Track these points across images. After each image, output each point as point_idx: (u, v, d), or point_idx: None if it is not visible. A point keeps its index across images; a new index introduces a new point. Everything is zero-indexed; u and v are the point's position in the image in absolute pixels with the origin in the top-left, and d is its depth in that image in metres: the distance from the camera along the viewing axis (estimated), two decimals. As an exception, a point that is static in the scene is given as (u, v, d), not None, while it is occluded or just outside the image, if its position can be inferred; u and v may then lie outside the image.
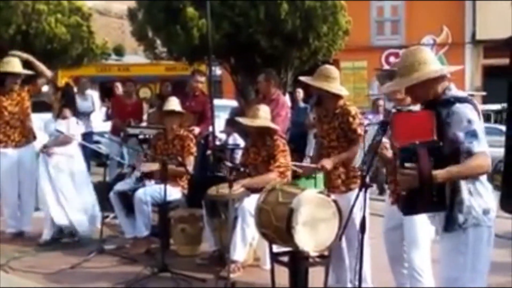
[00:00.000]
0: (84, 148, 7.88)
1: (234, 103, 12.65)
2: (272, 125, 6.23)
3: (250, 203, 5.74)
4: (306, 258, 4.94)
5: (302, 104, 12.60)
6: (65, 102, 7.37)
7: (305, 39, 10.91)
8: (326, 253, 4.98)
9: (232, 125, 9.72)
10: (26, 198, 7.56)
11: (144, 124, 10.13)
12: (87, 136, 9.60)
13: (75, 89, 10.08)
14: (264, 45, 10.70)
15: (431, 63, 3.55)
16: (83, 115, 9.63)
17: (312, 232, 4.80)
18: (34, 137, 7.67)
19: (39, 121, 7.82)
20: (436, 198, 3.32)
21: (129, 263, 6.33)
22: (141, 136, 8.81)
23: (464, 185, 3.38)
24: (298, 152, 10.72)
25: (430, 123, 3.36)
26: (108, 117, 11.21)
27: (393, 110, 3.87)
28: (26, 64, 7.56)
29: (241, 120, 6.52)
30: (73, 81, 12.29)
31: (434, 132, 3.33)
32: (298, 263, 4.96)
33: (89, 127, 10.52)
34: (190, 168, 6.90)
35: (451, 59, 19.59)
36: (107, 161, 7.36)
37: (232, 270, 5.61)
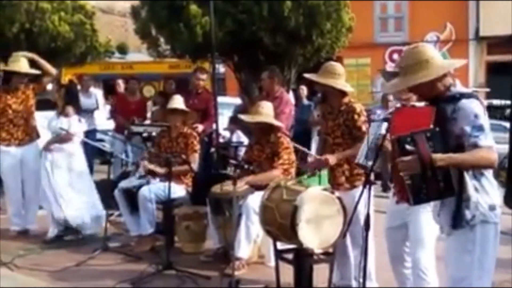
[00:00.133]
0: (87, 146, 7.88)
1: (237, 101, 12.65)
2: (274, 122, 6.23)
3: (254, 200, 5.74)
4: (310, 255, 4.94)
5: (306, 102, 12.60)
6: (68, 99, 7.38)
7: (309, 36, 10.90)
8: (330, 250, 4.98)
9: (235, 122, 9.73)
10: (30, 196, 7.57)
11: (147, 122, 10.14)
12: (91, 133, 9.61)
13: (79, 87, 10.09)
14: (268, 42, 10.69)
15: (435, 60, 3.54)
16: (86, 113, 9.64)
17: (317, 229, 4.80)
18: (38, 135, 7.69)
19: (43, 119, 7.83)
20: (442, 184, 3.31)
21: (133, 261, 6.34)
22: (145, 134, 8.82)
23: (469, 182, 3.37)
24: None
25: (428, 116, 3.37)
26: (111, 115, 11.19)
27: (398, 105, 3.88)
28: (31, 63, 7.58)
29: (242, 117, 6.52)
30: (76, 78, 12.29)
31: (431, 124, 3.34)
32: (302, 260, 4.96)
33: (92, 125, 10.54)
34: (194, 165, 6.91)
35: (455, 56, 19.51)
36: (111, 159, 7.36)
37: (237, 267, 5.61)
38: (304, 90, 12.69)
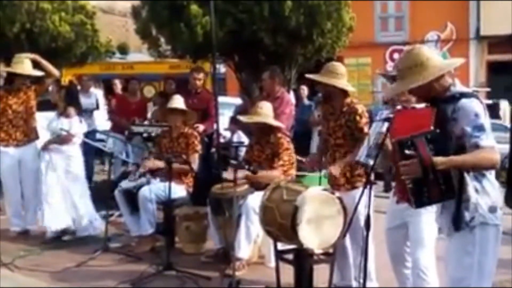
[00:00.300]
0: (86, 146, 7.88)
1: (238, 101, 12.65)
2: (273, 122, 6.22)
3: (254, 200, 5.74)
4: (310, 255, 4.94)
5: (306, 102, 12.58)
6: (69, 100, 7.38)
7: (309, 36, 10.89)
8: (330, 250, 4.98)
9: (236, 122, 9.71)
10: (28, 196, 7.57)
11: (148, 122, 10.14)
12: (90, 134, 9.61)
13: (78, 87, 10.09)
14: (268, 42, 10.68)
15: (432, 61, 3.52)
16: (85, 113, 9.64)
17: (317, 230, 4.79)
18: (37, 137, 7.68)
19: (43, 119, 7.83)
20: (444, 186, 3.30)
21: (134, 261, 6.34)
22: (145, 134, 8.82)
23: (470, 183, 3.36)
24: (301, 149, 10.73)
25: (428, 117, 3.36)
26: (108, 116, 11.19)
27: (398, 107, 3.87)
28: (33, 64, 7.58)
29: (241, 118, 6.53)
30: (76, 79, 12.29)
31: (431, 125, 3.32)
32: (302, 261, 4.96)
33: (92, 125, 10.53)
34: (195, 166, 6.90)
35: (456, 55, 19.49)
36: (111, 159, 7.36)
37: (237, 267, 5.61)
38: (305, 90, 12.68)
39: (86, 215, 7.30)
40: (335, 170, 5.07)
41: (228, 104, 12.41)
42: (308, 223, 4.75)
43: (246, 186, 6.03)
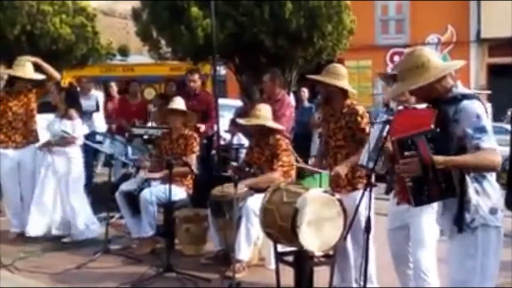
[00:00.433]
0: (87, 148, 7.88)
1: (238, 103, 12.64)
2: (271, 124, 6.23)
3: (254, 202, 5.75)
4: (311, 257, 4.94)
5: (307, 104, 12.57)
6: (70, 102, 7.39)
7: (310, 39, 10.88)
8: (331, 252, 4.98)
9: (236, 124, 9.71)
10: (28, 198, 7.56)
11: (149, 124, 10.14)
12: (90, 136, 9.60)
13: (78, 89, 10.08)
14: (269, 44, 10.68)
15: (433, 63, 3.53)
16: (85, 115, 9.64)
17: (317, 232, 4.79)
18: (37, 139, 7.68)
19: (43, 121, 7.84)
20: (444, 185, 3.30)
21: (134, 263, 6.34)
22: (146, 136, 8.82)
23: (471, 185, 3.36)
24: (302, 152, 10.73)
25: (429, 117, 3.36)
26: (106, 119, 11.19)
27: (399, 108, 3.88)
28: (35, 66, 7.58)
29: (240, 121, 6.54)
30: (76, 81, 12.27)
31: (431, 125, 3.32)
32: (303, 263, 4.96)
33: (92, 127, 10.53)
34: (193, 167, 6.90)
35: (456, 58, 19.45)
36: (111, 161, 7.36)
37: (237, 269, 5.61)
38: (305, 92, 12.68)
39: (83, 218, 7.30)
40: (342, 170, 5.05)
41: (228, 106, 12.41)
42: (309, 225, 4.75)
43: (246, 188, 6.04)
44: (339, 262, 5.11)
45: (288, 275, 5.08)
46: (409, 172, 3.31)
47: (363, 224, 3.96)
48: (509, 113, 15.79)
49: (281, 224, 4.88)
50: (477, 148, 3.28)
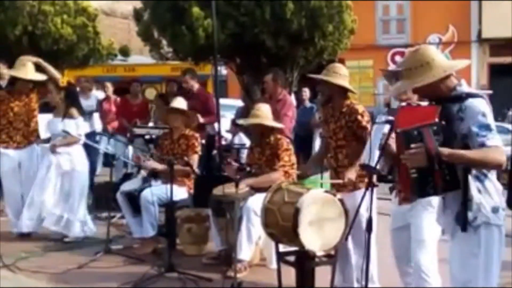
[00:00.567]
0: (88, 148, 7.88)
1: (239, 103, 12.65)
2: (271, 124, 6.23)
3: (255, 202, 5.75)
4: (312, 257, 4.93)
5: (308, 104, 12.58)
6: (70, 101, 7.39)
7: (311, 39, 10.88)
8: (332, 252, 4.98)
9: (237, 124, 9.72)
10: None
11: (150, 124, 10.15)
12: (90, 136, 9.61)
13: (78, 89, 10.07)
14: (270, 44, 10.67)
15: (438, 61, 3.53)
16: (84, 114, 9.64)
17: (319, 232, 4.79)
18: (38, 139, 7.69)
19: (41, 120, 7.84)
20: (448, 177, 3.28)
21: (135, 263, 6.34)
22: (147, 136, 8.83)
23: (473, 183, 3.36)
24: (303, 152, 10.73)
25: (433, 113, 3.35)
26: (101, 120, 11.19)
27: (402, 104, 3.87)
28: (36, 66, 7.58)
29: (239, 121, 6.54)
30: (75, 81, 12.27)
31: (436, 118, 3.31)
32: (304, 263, 4.96)
33: (91, 127, 10.53)
34: (195, 167, 6.90)
35: (457, 58, 19.39)
36: (113, 161, 7.36)
37: (239, 269, 5.61)
38: (306, 92, 12.68)
39: (80, 219, 7.31)
40: (352, 174, 5.03)
41: (229, 106, 12.42)
42: (310, 225, 4.75)
43: (247, 188, 6.04)
44: (341, 262, 5.11)
45: (289, 275, 5.08)
46: (414, 163, 3.29)
47: (364, 224, 3.95)
48: (510, 113, 15.78)
49: (283, 224, 4.88)
50: (483, 145, 3.27)
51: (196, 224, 6.73)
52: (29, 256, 6.60)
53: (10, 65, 7.74)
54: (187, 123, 7.18)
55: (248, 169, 6.03)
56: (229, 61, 11.93)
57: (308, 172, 5.95)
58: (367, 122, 5.08)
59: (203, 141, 8.54)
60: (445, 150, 3.24)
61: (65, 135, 7.18)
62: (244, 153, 8.61)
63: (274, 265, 5.52)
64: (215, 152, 9.13)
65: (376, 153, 3.97)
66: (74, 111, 7.33)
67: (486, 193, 3.40)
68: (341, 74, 5.20)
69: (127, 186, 7.06)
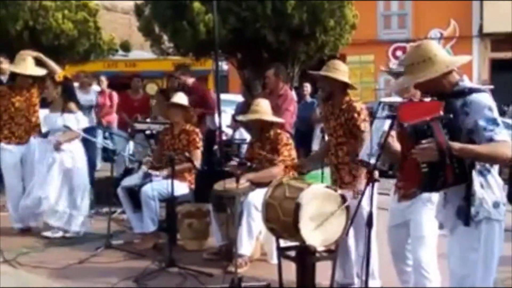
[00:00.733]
0: (88, 143, 7.89)
1: (240, 98, 12.64)
2: (270, 118, 6.22)
3: (255, 197, 5.75)
4: (313, 253, 4.93)
5: (309, 99, 12.58)
6: (68, 96, 7.37)
7: (312, 34, 10.89)
8: (333, 248, 4.97)
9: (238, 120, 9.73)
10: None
11: (149, 119, 10.14)
12: (89, 131, 9.61)
13: (76, 84, 10.05)
14: (271, 40, 10.68)
15: (440, 57, 3.52)
16: (83, 109, 9.63)
17: (319, 227, 4.78)
18: (40, 134, 7.68)
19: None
20: (458, 170, 3.26)
21: (136, 258, 6.35)
22: (148, 132, 8.82)
23: (476, 178, 3.35)
24: (304, 147, 10.73)
25: (437, 107, 3.32)
26: (95, 114, 11.18)
27: (404, 100, 3.86)
28: (36, 61, 7.57)
29: (238, 117, 6.54)
30: (74, 76, 12.23)
31: (441, 112, 3.29)
32: (305, 258, 4.95)
33: (91, 122, 10.51)
34: (197, 162, 6.91)
35: (458, 53, 19.34)
36: (113, 156, 7.36)
37: (239, 264, 5.60)
38: (307, 87, 12.68)
39: (83, 214, 7.32)
40: (361, 185, 5.00)
41: (230, 101, 12.41)
42: (311, 220, 4.74)
43: (247, 183, 6.04)
44: (341, 258, 5.11)
45: (290, 270, 5.08)
46: (426, 157, 3.26)
47: (365, 219, 3.95)
48: (510, 109, 15.75)
49: (284, 219, 4.88)
50: (491, 140, 3.25)
51: (197, 219, 6.73)
52: (30, 251, 6.61)
53: (12, 60, 7.73)
54: (187, 118, 7.18)
55: (248, 164, 6.02)
56: (230, 56, 11.94)
57: (304, 169, 5.96)
58: (362, 121, 5.08)
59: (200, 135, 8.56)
60: (456, 145, 3.22)
61: (65, 130, 7.17)
62: (245, 148, 8.61)
63: (274, 260, 5.52)
64: (216, 147, 9.12)
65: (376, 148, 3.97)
66: (72, 105, 7.31)
67: (488, 188, 3.40)
68: (341, 70, 5.21)
69: (128, 181, 7.07)
